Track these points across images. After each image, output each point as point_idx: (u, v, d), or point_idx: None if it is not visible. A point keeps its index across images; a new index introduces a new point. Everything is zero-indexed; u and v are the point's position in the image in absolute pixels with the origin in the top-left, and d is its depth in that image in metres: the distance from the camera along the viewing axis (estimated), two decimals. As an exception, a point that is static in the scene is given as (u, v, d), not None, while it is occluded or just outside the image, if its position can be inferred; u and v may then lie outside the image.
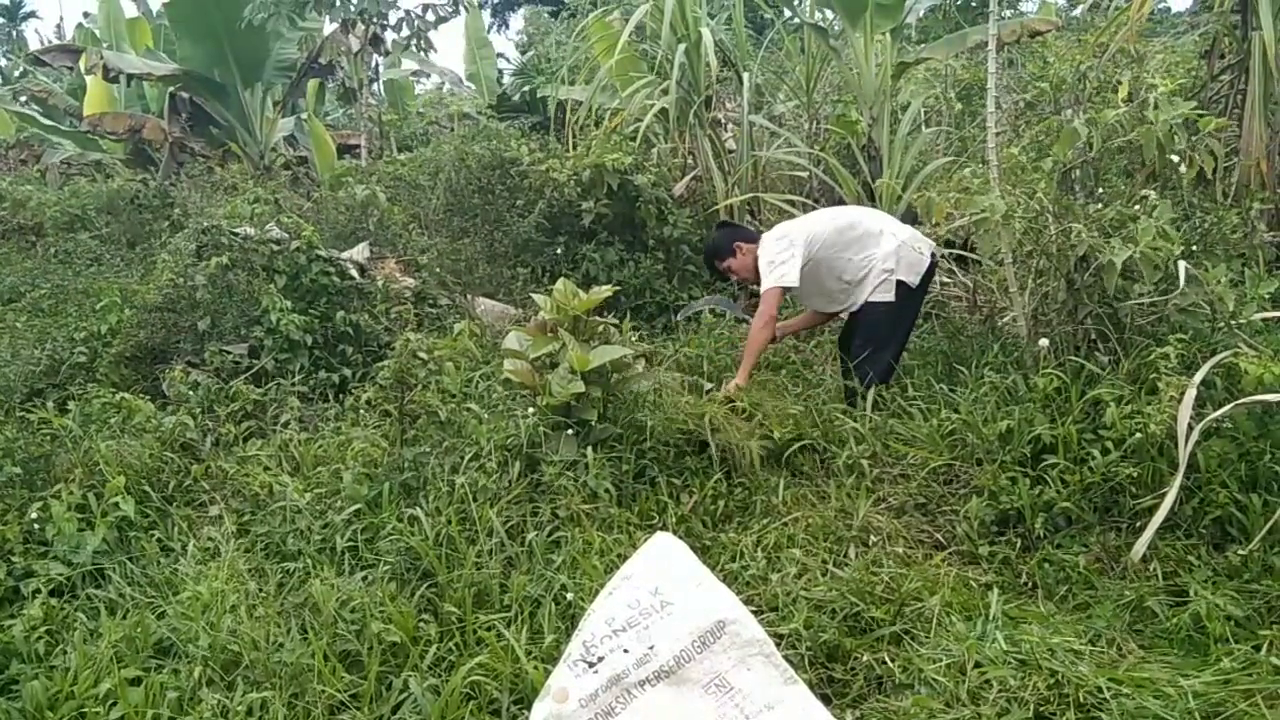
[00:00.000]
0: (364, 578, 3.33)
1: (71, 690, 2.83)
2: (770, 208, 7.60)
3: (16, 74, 21.94)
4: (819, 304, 5.09)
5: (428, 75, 15.58)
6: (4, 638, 3.08)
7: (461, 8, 11.92)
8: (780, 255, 4.70)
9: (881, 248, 4.73)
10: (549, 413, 4.02)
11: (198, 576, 3.31)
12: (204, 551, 3.58)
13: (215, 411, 4.66)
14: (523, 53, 16.44)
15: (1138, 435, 3.55)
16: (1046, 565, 3.45)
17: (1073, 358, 4.06)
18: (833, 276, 4.80)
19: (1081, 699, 2.62)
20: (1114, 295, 4.01)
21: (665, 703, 2.44)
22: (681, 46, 7.18)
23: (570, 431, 3.98)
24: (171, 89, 11.85)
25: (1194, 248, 4.20)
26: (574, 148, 7.72)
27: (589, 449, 3.90)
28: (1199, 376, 3.51)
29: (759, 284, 4.85)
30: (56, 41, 17.85)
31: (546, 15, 17.81)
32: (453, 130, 11.39)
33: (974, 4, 12.06)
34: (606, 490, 3.74)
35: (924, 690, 2.74)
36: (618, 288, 5.66)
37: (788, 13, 9.66)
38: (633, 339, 4.63)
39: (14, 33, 33.66)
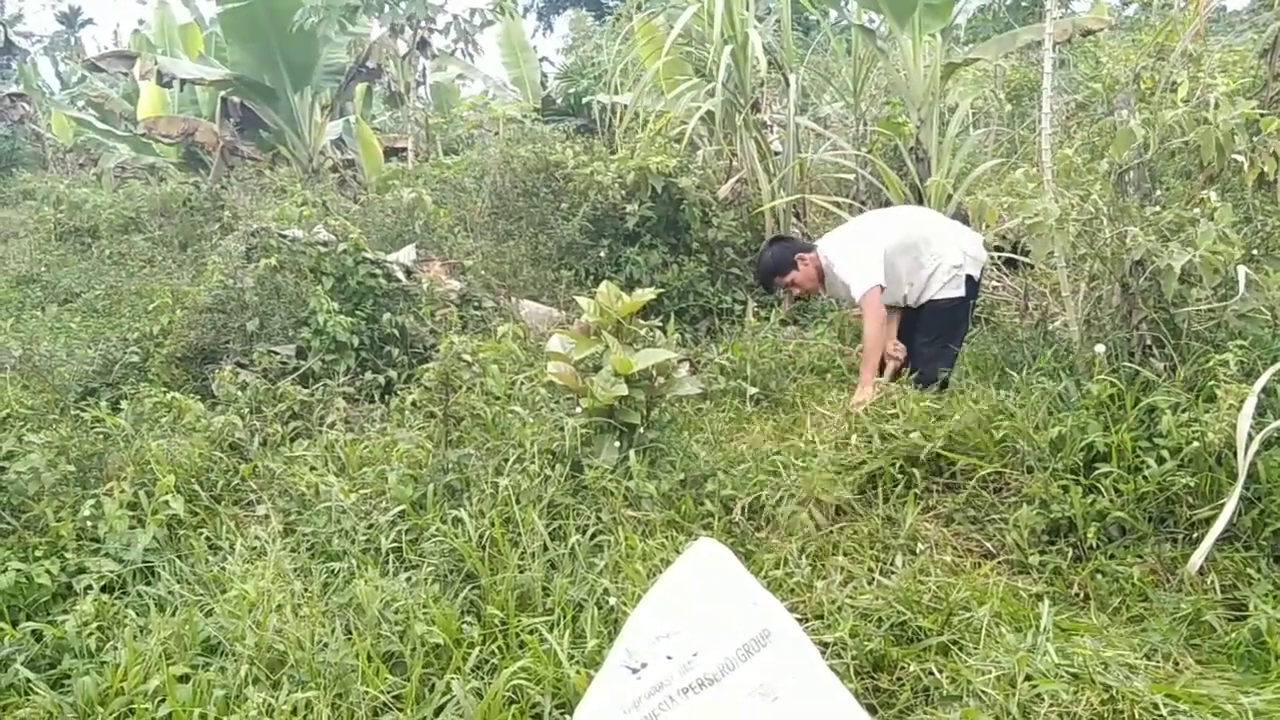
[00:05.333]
0: (408, 579, 3.34)
1: (121, 686, 2.87)
2: (816, 209, 7.54)
3: (74, 80, 22.49)
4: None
5: (473, 79, 15.69)
6: (57, 633, 3.13)
7: (508, 13, 11.97)
8: (862, 256, 4.72)
9: (950, 245, 4.84)
10: (593, 415, 4.01)
11: (244, 575, 3.35)
12: (251, 550, 3.62)
13: (263, 412, 4.72)
14: (566, 56, 16.47)
15: (1195, 444, 3.45)
16: (1099, 576, 3.37)
17: (1127, 364, 3.97)
18: (897, 280, 4.81)
19: (1137, 715, 2.55)
20: (1171, 300, 3.91)
21: (708, 710, 2.42)
22: (728, 48, 7.15)
23: (614, 437, 3.97)
24: (223, 93, 12.04)
25: (1255, 252, 4.10)
26: (618, 150, 7.73)
27: (631, 453, 3.89)
28: (1260, 384, 3.41)
29: (820, 292, 4.92)
30: (113, 48, 18.23)
31: (591, 19, 17.82)
32: (498, 134, 11.46)
33: (1023, 3, 11.90)
34: (650, 495, 3.72)
35: (973, 703, 2.68)
36: (661, 290, 5.65)
37: (834, 14, 9.58)
38: (676, 342, 4.61)
39: (72, 39, 34.46)
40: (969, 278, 4.86)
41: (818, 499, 3.76)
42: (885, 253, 4.76)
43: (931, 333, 4.82)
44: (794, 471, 3.95)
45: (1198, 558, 3.27)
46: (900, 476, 3.98)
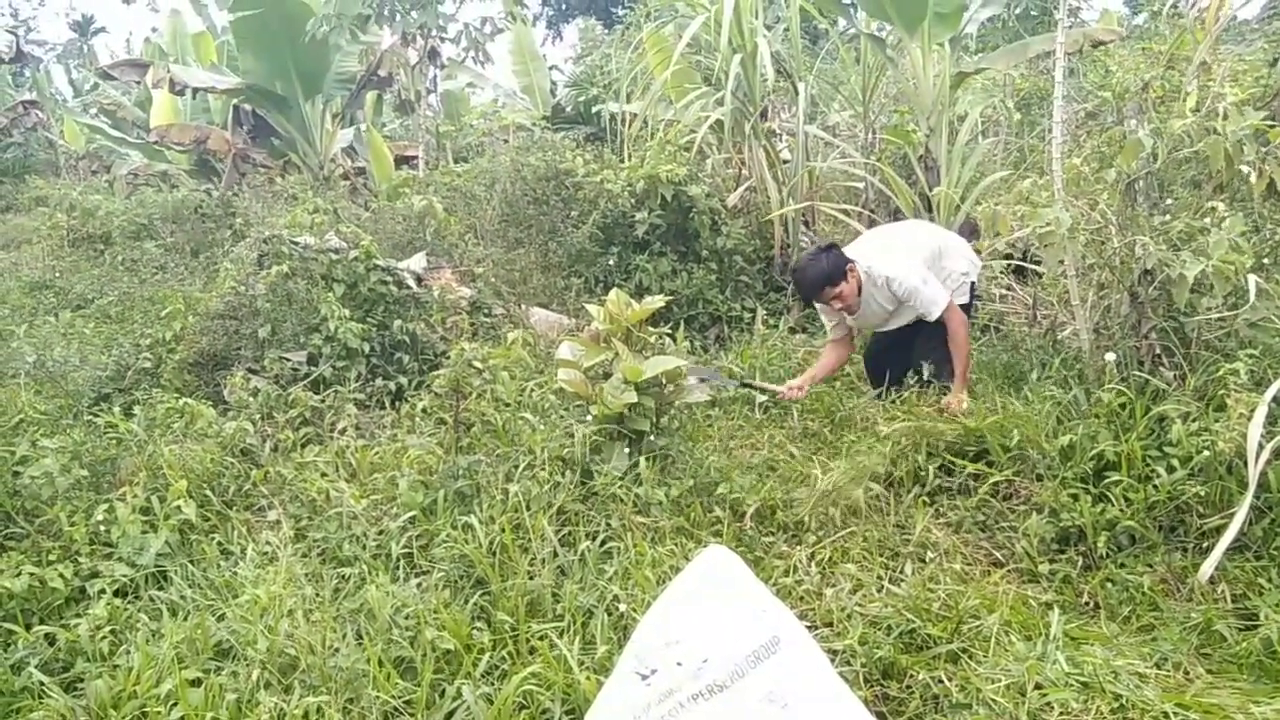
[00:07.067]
0: (418, 584, 3.35)
1: (134, 690, 2.88)
2: (825, 218, 7.56)
3: (87, 87, 22.63)
4: (888, 323, 5.03)
5: (482, 87, 15.75)
6: (70, 637, 3.15)
7: (519, 20, 12.02)
8: (923, 276, 4.75)
9: (956, 255, 4.90)
10: (602, 422, 4.03)
11: (256, 580, 3.36)
12: (262, 555, 3.63)
13: (274, 417, 4.74)
14: (576, 65, 16.52)
15: (1205, 453, 3.46)
16: (1109, 585, 3.38)
17: (1137, 373, 3.97)
18: None
19: (1147, 724, 2.55)
20: (1182, 309, 3.92)
21: (718, 717, 2.42)
22: (737, 57, 7.17)
23: (624, 444, 3.99)
24: (235, 101, 12.12)
25: (1265, 261, 4.10)
26: (628, 159, 7.75)
27: (641, 459, 3.90)
28: (1270, 393, 3.41)
29: (852, 309, 4.85)
30: (125, 56, 18.36)
31: (600, 28, 17.88)
32: (508, 142, 11.50)
33: (1033, 14, 11.89)
34: (659, 502, 3.73)
35: (982, 711, 2.69)
36: (670, 298, 5.65)
37: (843, 23, 9.61)
38: (686, 349, 4.62)
39: (85, 47, 34.66)
40: (971, 285, 4.93)
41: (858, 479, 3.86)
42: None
43: (935, 339, 4.84)
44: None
45: (1208, 567, 3.27)
46: (920, 474, 4.02)
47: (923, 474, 4.05)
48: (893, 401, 4.72)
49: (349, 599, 3.31)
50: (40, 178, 16.07)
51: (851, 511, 3.83)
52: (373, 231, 7.01)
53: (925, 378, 4.72)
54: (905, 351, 5.00)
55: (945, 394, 4.65)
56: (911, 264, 4.76)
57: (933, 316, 4.71)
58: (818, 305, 5.08)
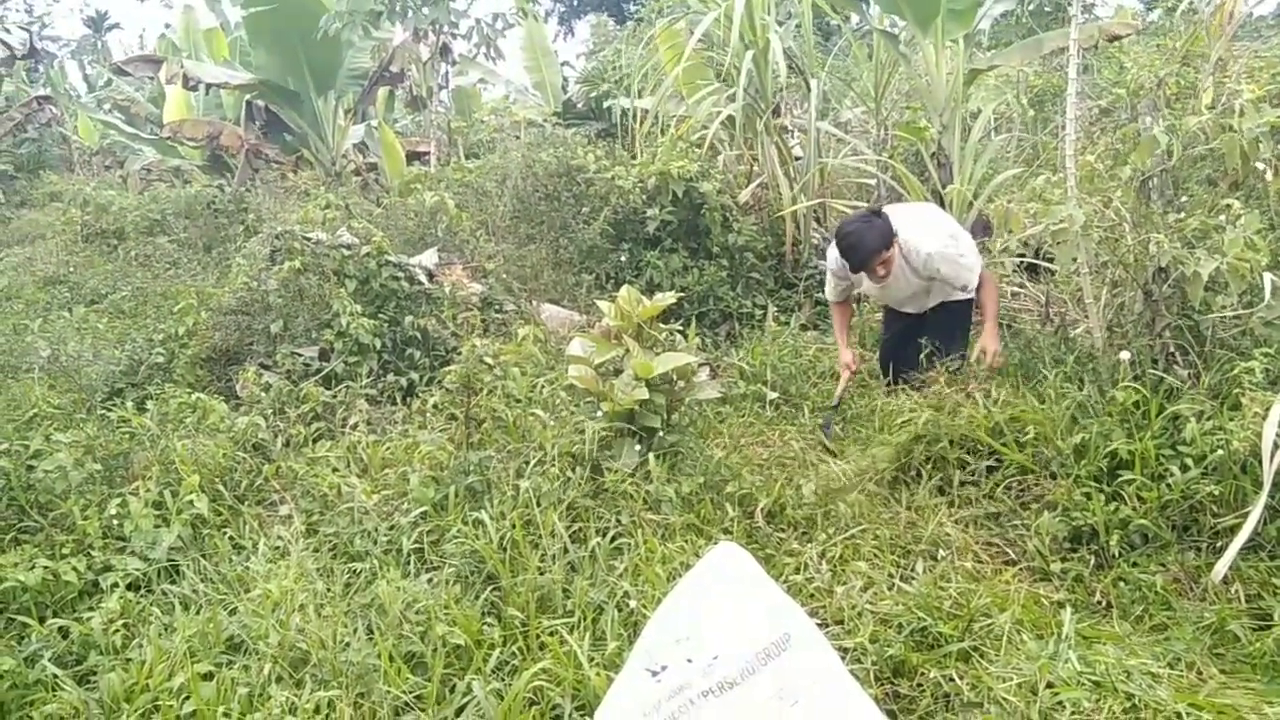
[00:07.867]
0: (429, 580, 3.36)
1: (147, 683, 2.90)
2: (837, 214, 7.53)
3: (101, 83, 22.74)
4: (905, 304, 5.03)
5: (494, 83, 15.74)
6: (84, 630, 3.17)
7: (531, 16, 12.02)
8: (963, 248, 4.78)
9: (969, 246, 4.85)
10: (613, 419, 4.03)
11: (268, 575, 3.38)
12: (274, 550, 3.65)
13: (286, 413, 4.76)
14: (587, 61, 16.50)
15: (1219, 452, 3.43)
16: (1122, 584, 3.36)
17: (1151, 371, 3.95)
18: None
19: (1159, 724, 2.54)
20: (1196, 307, 3.89)
21: (729, 714, 2.42)
22: (749, 53, 7.15)
23: (634, 440, 3.99)
24: (247, 97, 12.15)
25: (1281, 259, 4.07)
26: (640, 155, 7.74)
27: (651, 456, 3.90)
28: (1286, 392, 3.39)
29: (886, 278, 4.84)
30: (139, 52, 18.43)
31: (612, 24, 17.85)
32: (519, 138, 11.49)
33: (1047, 9, 11.82)
34: (670, 498, 3.73)
35: (993, 710, 2.68)
36: (681, 294, 5.65)
37: (856, 19, 9.57)
38: (696, 346, 4.62)
39: (99, 43, 34.81)
40: None
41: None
42: None
43: (946, 332, 4.82)
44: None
45: (1222, 566, 3.25)
46: (932, 469, 4.01)
47: (934, 469, 4.04)
48: (904, 390, 4.71)
49: (360, 594, 3.33)
50: (54, 173, 16.15)
51: (862, 507, 3.82)
52: (384, 227, 7.02)
53: (924, 371, 4.71)
54: (915, 345, 4.99)
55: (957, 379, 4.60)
56: (945, 240, 4.77)
57: (972, 286, 4.75)
58: (837, 275, 5.06)
